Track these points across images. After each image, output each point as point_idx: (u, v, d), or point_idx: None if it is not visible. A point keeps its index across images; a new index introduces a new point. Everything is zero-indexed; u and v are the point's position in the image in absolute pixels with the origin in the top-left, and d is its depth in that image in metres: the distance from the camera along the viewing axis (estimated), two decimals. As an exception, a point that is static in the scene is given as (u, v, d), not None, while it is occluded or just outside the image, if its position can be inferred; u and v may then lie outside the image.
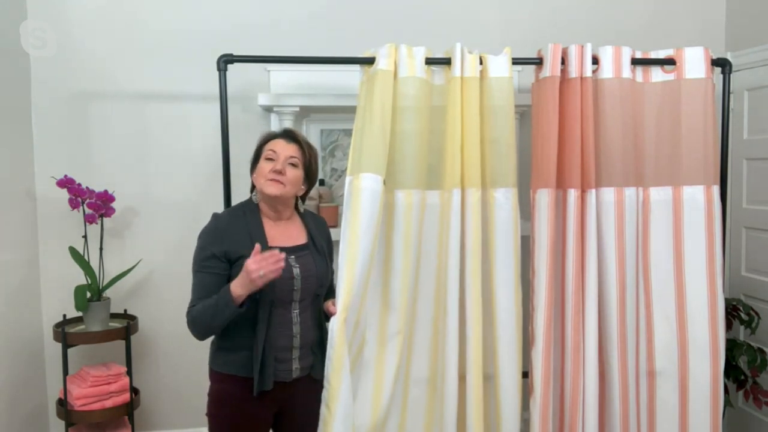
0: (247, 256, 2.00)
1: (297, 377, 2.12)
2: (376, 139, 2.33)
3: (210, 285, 2.02)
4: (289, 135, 2.16)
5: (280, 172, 2.06)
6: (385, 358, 2.43)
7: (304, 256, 2.13)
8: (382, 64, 2.39)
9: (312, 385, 2.17)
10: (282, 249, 2.07)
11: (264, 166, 2.09)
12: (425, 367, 2.52)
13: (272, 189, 2.07)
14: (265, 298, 2.03)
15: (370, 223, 2.28)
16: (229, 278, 2.03)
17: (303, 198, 2.23)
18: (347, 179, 2.35)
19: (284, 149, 2.10)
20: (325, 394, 2.17)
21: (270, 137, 2.16)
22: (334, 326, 2.16)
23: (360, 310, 2.32)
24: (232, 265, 2.04)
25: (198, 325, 2.01)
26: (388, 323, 2.44)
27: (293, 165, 2.10)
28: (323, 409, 2.17)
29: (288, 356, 2.09)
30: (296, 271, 2.08)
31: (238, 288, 1.94)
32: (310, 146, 2.18)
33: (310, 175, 2.17)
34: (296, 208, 2.23)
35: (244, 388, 2.04)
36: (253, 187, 2.17)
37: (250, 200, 2.18)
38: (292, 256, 2.10)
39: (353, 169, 2.35)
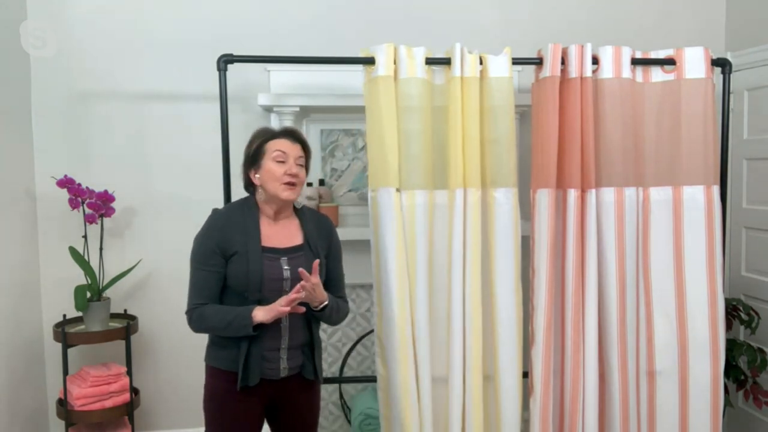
0: (239, 253, 2.03)
1: (286, 376, 2.12)
2: (387, 150, 2.41)
3: (210, 283, 2.05)
4: (293, 135, 2.13)
5: (296, 176, 2.07)
6: (406, 359, 2.47)
7: (297, 258, 2.11)
8: (383, 69, 2.41)
9: (303, 384, 2.18)
10: (275, 250, 2.08)
11: (275, 168, 2.06)
12: (442, 366, 2.54)
13: (289, 194, 2.07)
14: (253, 298, 2.04)
15: (392, 233, 2.41)
16: (225, 276, 2.06)
17: None
18: (369, 193, 2.49)
19: (292, 150, 2.09)
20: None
21: (271, 135, 2.12)
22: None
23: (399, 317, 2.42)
24: (227, 261, 2.05)
25: (203, 326, 2.06)
26: (403, 323, 2.47)
27: (300, 165, 2.11)
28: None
29: (276, 356, 2.09)
30: (286, 273, 2.07)
31: (261, 316, 1.98)
32: (306, 143, 2.19)
33: (307, 170, 2.18)
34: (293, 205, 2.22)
35: (232, 383, 2.06)
36: (248, 184, 2.15)
37: (249, 197, 2.16)
38: (284, 258, 2.09)
39: (371, 182, 2.47)
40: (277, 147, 2.08)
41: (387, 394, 2.49)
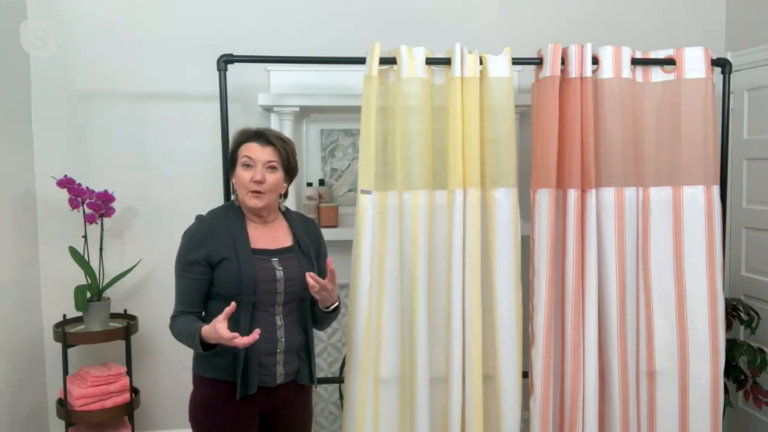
0: (228, 258, 1.99)
1: (281, 383, 2.07)
2: (363, 150, 2.44)
3: (192, 290, 2.03)
4: (262, 137, 2.04)
5: (260, 182, 2.00)
6: (396, 362, 2.50)
7: (289, 259, 2.07)
8: (368, 69, 2.43)
9: (298, 390, 2.14)
10: (265, 251, 2.05)
11: (243, 174, 2.01)
12: (441, 367, 2.54)
13: (255, 202, 2.02)
14: (247, 301, 1.99)
15: (364, 233, 2.46)
16: (212, 282, 2.02)
17: (285, 194, 2.16)
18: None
19: (260, 154, 2.01)
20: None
21: (243, 139, 2.06)
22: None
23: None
24: (214, 268, 2.01)
25: (177, 338, 2.03)
26: (401, 325, 2.50)
27: (272, 168, 2.03)
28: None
29: (272, 361, 2.03)
30: (279, 273, 2.03)
31: (211, 339, 1.88)
32: (285, 142, 2.08)
33: (289, 171, 2.10)
34: (278, 207, 2.17)
35: (228, 392, 2.00)
36: (234, 189, 2.12)
37: (233, 201, 2.12)
38: (275, 259, 2.05)
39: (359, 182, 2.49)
40: (245, 152, 2.03)
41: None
